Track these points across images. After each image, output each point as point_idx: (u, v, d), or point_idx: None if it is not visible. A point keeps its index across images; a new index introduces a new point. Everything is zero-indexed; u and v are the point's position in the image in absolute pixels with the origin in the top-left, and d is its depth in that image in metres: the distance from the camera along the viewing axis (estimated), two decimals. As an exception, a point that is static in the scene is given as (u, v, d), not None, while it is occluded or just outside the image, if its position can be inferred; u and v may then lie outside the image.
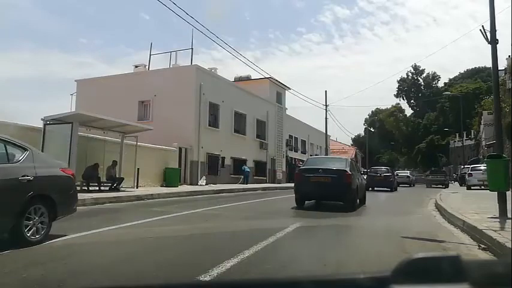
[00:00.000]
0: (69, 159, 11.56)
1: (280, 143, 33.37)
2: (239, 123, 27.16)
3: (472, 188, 20.89)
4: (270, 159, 31.45)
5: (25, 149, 4.91)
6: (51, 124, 12.01)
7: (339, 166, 10.82)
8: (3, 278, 3.42)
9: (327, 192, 10.49)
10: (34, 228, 4.66)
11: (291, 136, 37.09)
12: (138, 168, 15.36)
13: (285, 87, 34.26)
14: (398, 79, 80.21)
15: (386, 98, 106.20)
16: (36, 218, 4.71)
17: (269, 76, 30.74)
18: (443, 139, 69.14)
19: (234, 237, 5.87)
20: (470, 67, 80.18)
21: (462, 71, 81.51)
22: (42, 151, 11.59)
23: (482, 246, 4.82)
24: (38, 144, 11.64)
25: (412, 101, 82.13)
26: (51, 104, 75.20)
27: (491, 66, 7.94)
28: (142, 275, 3.55)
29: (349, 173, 10.38)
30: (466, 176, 23.07)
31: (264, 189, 21.47)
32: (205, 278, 3.29)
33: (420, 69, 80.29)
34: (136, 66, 26.21)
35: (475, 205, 9.30)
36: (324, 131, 36.81)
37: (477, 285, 0.63)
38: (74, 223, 5.97)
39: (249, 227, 6.96)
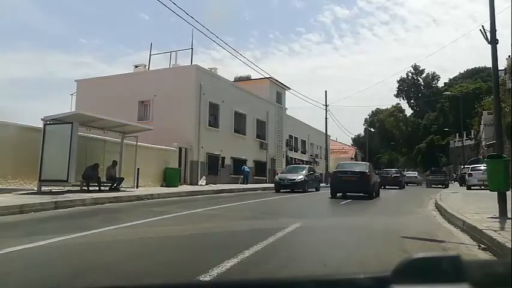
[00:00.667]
0: (69, 159, 11.57)
1: (280, 143, 33.36)
2: (239, 123, 27.16)
3: (472, 188, 20.89)
4: (270, 159, 31.45)
5: None
6: (51, 124, 12.01)
7: (361, 169, 15.28)
8: (4, 278, 3.42)
9: (353, 187, 14.89)
10: None
11: (291, 136, 37.08)
12: (138, 168, 15.36)
13: (285, 87, 34.25)
14: (398, 79, 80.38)
15: (386, 98, 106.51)
16: None
17: (269, 76, 30.75)
18: (443, 139, 69.16)
19: (234, 237, 5.87)
20: (470, 67, 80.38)
21: (462, 71, 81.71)
22: (42, 151, 11.62)
23: (482, 246, 4.82)
24: (38, 144, 11.65)
25: (412, 101, 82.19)
26: (51, 104, 75.21)
27: (491, 66, 7.94)
28: (142, 275, 3.54)
29: (369, 174, 14.87)
30: (466, 176, 23.07)
31: (264, 189, 21.46)
32: (205, 278, 3.29)
33: (420, 69, 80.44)
34: (136, 66, 26.22)
35: (475, 205, 9.29)
36: (324, 131, 36.81)
37: (477, 285, 0.63)
38: (74, 223, 5.97)
39: (249, 227, 6.96)
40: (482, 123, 43.47)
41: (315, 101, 73.91)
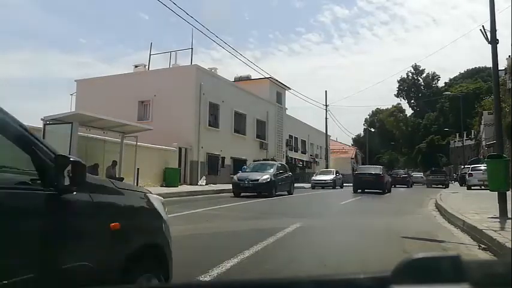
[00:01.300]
0: (69, 159, 11.56)
1: (280, 143, 33.37)
2: (239, 123, 27.16)
3: (472, 188, 20.88)
4: (270, 159, 31.45)
5: None
6: (51, 124, 12.02)
7: (376, 171, 19.90)
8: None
9: (370, 185, 19.10)
10: None
11: (291, 136, 37.08)
12: (138, 168, 15.37)
13: (285, 87, 34.26)
14: (399, 79, 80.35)
15: (387, 98, 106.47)
16: None
17: (269, 76, 30.76)
18: (443, 139, 69.15)
19: (234, 238, 5.87)
20: (470, 67, 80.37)
21: (462, 71, 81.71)
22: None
23: (482, 246, 4.82)
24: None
25: (412, 101, 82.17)
26: (51, 104, 75.24)
27: (491, 66, 7.94)
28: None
29: (382, 175, 19.69)
30: (466, 176, 23.07)
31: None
32: (205, 278, 3.29)
33: (420, 69, 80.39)
34: (136, 66, 26.22)
35: (475, 205, 9.29)
36: (324, 131, 36.82)
37: (477, 285, 0.63)
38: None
39: (249, 227, 6.96)
40: (482, 123, 43.48)
41: (315, 101, 73.81)
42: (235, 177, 16.31)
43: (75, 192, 1.58)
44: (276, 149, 32.53)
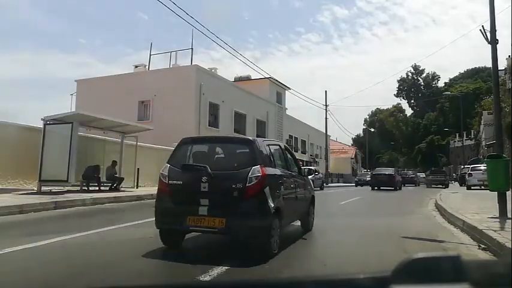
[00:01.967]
0: (69, 159, 11.56)
1: (280, 143, 33.35)
2: (239, 123, 27.16)
3: (472, 188, 20.87)
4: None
5: None
6: (51, 124, 12.00)
7: (390, 172, 25.30)
8: (4, 277, 3.42)
9: (385, 183, 23.95)
10: None
11: (291, 136, 37.07)
12: (138, 168, 15.35)
13: (285, 87, 34.25)
14: (399, 79, 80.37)
15: (386, 98, 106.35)
16: None
17: (269, 76, 30.74)
18: (443, 139, 69.15)
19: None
20: (470, 67, 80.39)
21: (462, 71, 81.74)
22: (42, 151, 11.62)
23: (482, 246, 4.82)
24: (38, 144, 11.64)
25: (412, 101, 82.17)
26: (51, 104, 75.25)
27: (491, 66, 7.94)
28: (142, 275, 3.54)
29: (394, 175, 24.86)
30: (466, 176, 23.05)
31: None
32: (205, 278, 3.29)
33: (420, 69, 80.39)
34: (136, 66, 26.21)
35: (475, 205, 9.29)
36: (324, 131, 36.81)
37: (477, 285, 0.63)
38: (74, 223, 5.97)
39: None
40: (482, 123, 43.47)
41: (315, 101, 73.82)
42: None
43: (305, 177, 6.36)
44: (276, 149, 32.51)
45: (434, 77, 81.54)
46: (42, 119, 12.01)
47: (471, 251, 4.70)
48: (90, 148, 14.19)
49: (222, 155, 4.98)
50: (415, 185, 33.52)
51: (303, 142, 41.33)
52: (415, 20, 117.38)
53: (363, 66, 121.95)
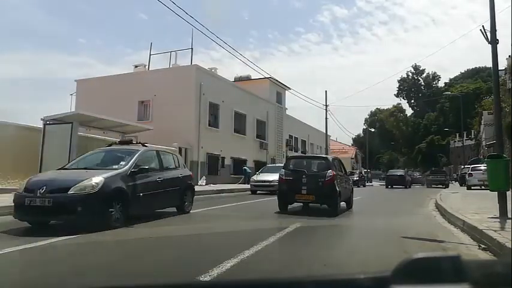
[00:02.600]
0: (69, 159, 11.55)
1: (280, 143, 33.37)
2: (239, 123, 27.15)
3: (472, 188, 20.87)
4: (270, 159, 31.44)
5: None
6: (51, 124, 12.01)
7: (401, 173, 32.44)
8: (4, 278, 3.42)
9: (397, 182, 29.26)
10: None
11: (291, 136, 37.07)
12: (138, 168, 15.35)
13: (285, 87, 34.24)
14: (399, 79, 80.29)
15: (387, 98, 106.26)
16: None
17: (269, 76, 30.73)
18: (443, 139, 69.12)
19: (234, 237, 5.87)
20: (470, 67, 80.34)
21: (462, 71, 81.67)
22: (42, 151, 11.63)
23: (482, 246, 4.81)
24: (38, 144, 11.64)
25: (412, 101, 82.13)
26: (51, 104, 75.28)
27: (491, 66, 7.94)
28: (142, 275, 3.54)
29: (405, 175, 31.13)
30: (466, 176, 23.06)
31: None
32: (205, 278, 3.29)
33: (420, 69, 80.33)
34: (136, 66, 26.20)
35: (475, 205, 9.29)
36: (324, 131, 36.82)
37: (477, 285, 0.63)
38: (73, 223, 5.97)
39: (249, 227, 6.96)
40: (482, 123, 43.46)
41: (315, 100, 73.98)
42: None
43: (348, 176, 11.64)
44: (276, 149, 32.52)
45: (435, 77, 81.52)
46: (42, 119, 12.02)
47: (471, 251, 4.70)
48: (90, 148, 14.12)
49: (312, 164, 9.43)
50: (422, 184, 36.13)
51: (303, 142, 41.34)
52: (415, 20, 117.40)
53: (363, 66, 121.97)
